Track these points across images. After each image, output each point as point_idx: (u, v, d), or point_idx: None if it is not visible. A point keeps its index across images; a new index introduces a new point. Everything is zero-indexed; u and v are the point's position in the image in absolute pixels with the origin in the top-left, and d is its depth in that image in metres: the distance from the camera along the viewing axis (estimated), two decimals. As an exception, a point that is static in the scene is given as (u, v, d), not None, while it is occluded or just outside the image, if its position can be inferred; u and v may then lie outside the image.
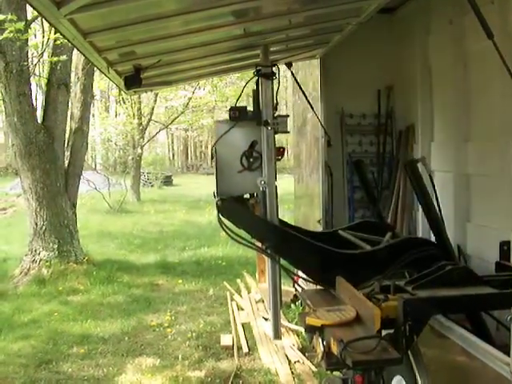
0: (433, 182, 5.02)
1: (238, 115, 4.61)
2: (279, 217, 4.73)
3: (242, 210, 4.66)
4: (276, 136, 4.74)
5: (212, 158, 4.74)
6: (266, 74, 4.64)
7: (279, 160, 4.83)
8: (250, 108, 4.73)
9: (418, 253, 4.45)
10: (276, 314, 4.76)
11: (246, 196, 4.77)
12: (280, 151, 4.85)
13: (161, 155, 48.17)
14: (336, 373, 4.26)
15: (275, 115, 4.69)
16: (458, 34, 5.80)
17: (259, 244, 4.67)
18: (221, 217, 4.53)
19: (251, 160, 4.63)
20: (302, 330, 7.17)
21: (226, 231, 4.57)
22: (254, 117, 4.63)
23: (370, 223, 5.74)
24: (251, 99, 4.74)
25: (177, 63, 5.44)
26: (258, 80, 4.71)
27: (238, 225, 4.57)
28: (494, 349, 3.10)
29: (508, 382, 2.83)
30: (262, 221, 4.64)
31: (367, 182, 6.04)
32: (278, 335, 4.90)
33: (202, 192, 24.71)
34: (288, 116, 4.89)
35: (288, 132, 4.96)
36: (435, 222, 4.74)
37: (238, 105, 4.82)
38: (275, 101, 4.73)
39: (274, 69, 4.70)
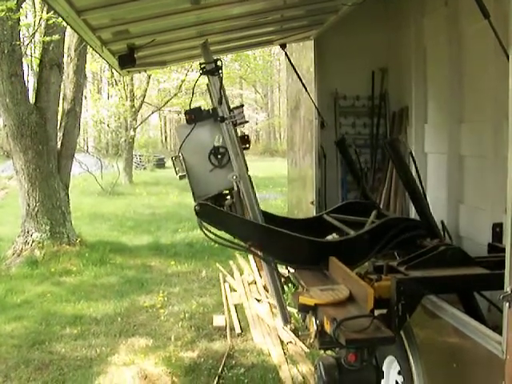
0: (414, 161, 5.03)
1: (194, 117, 4.58)
2: (263, 208, 4.69)
3: (221, 212, 4.56)
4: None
5: (180, 165, 4.68)
6: (210, 71, 4.57)
7: (247, 148, 4.80)
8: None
9: (401, 233, 4.46)
10: (280, 301, 4.73)
11: (225, 192, 4.72)
12: (245, 139, 4.82)
13: (153, 138, 48.10)
14: (329, 353, 4.28)
15: (231, 108, 4.64)
16: (452, 16, 5.79)
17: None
18: (201, 221, 4.44)
19: (219, 156, 4.60)
20: (295, 311, 7.21)
21: (207, 235, 4.47)
22: (209, 115, 4.59)
23: (355, 203, 5.75)
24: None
25: (171, 43, 5.42)
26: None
27: (219, 227, 4.48)
28: (487, 328, 3.12)
29: (500, 360, 2.85)
30: (242, 221, 4.57)
31: (351, 160, 6.01)
32: (287, 320, 4.90)
33: (195, 174, 24.60)
34: (243, 106, 4.85)
35: (247, 122, 4.94)
36: (417, 199, 4.73)
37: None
38: (220, 94, 4.58)
39: (218, 63, 4.58)
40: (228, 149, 4.56)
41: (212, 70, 4.55)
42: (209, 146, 4.60)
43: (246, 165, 4.65)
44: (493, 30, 3.20)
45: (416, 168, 4.96)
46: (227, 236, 4.53)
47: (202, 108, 4.67)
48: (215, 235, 4.48)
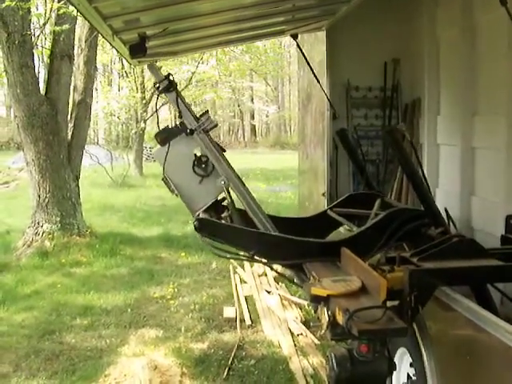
0: (415, 149, 4.97)
1: (165, 137, 4.58)
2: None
3: (220, 224, 4.50)
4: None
5: (172, 190, 4.69)
6: (165, 88, 4.57)
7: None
8: None
9: (404, 224, 4.41)
10: None
11: (223, 197, 4.70)
12: (220, 146, 4.79)
13: (163, 130, 48.09)
14: (340, 344, 4.25)
15: (197, 116, 4.64)
16: (467, 6, 5.73)
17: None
18: (202, 236, 4.38)
19: (203, 165, 4.60)
20: (305, 303, 7.20)
21: (212, 250, 4.44)
22: (179, 130, 4.60)
23: (359, 195, 5.70)
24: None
25: (183, 32, 5.37)
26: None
27: (220, 240, 4.40)
28: (501, 320, 3.09)
29: (515, 352, 2.82)
30: (241, 230, 4.46)
31: (353, 151, 5.94)
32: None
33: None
34: (208, 111, 4.83)
35: (217, 125, 4.92)
36: (419, 188, 4.68)
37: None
38: (179, 109, 4.61)
39: (170, 78, 4.59)
40: (208, 156, 4.57)
41: (166, 87, 4.57)
42: (190, 159, 4.61)
43: (230, 166, 4.65)
44: (510, 17, 3.16)
45: (417, 156, 4.92)
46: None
47: (170, 126, 4.71)
48: (218, 248, 4.45)
